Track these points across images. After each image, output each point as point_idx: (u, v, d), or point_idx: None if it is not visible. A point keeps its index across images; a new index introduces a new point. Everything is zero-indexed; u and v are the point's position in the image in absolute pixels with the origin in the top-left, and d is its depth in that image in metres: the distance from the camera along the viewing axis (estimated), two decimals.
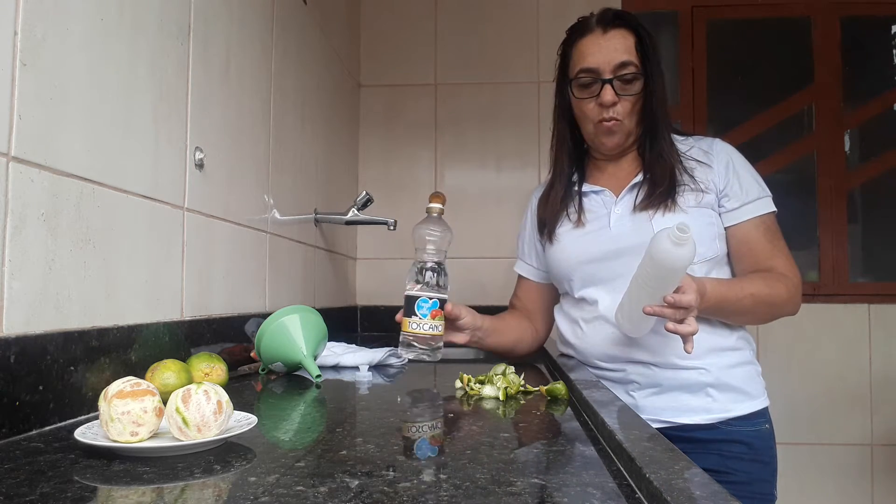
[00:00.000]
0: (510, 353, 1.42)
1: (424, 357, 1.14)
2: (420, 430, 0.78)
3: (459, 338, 1.27)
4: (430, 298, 1.13)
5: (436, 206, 1.21)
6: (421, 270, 1.16)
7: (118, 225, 0.88)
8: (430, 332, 1.13)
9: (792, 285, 1.19)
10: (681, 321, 1.03)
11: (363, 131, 2.49)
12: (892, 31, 2.56)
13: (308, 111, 1.80)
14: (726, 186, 1.21)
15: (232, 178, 1.27)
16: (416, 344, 1.14)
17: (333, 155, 2.10)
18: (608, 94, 1.20)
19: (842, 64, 2.47)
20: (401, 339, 1.16)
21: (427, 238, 1.18)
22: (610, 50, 1.20)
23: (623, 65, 1.20)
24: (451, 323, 1.23)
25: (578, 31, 1.26)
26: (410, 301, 1.14)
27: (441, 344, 1.16)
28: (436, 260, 1.17)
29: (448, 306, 1.19)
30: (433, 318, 1.13)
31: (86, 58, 0.81)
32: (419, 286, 1.14)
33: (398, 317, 1.20)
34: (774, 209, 1.22)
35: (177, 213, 1.05)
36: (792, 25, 2.53)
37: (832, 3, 2.46)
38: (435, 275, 1.16)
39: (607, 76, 1.20)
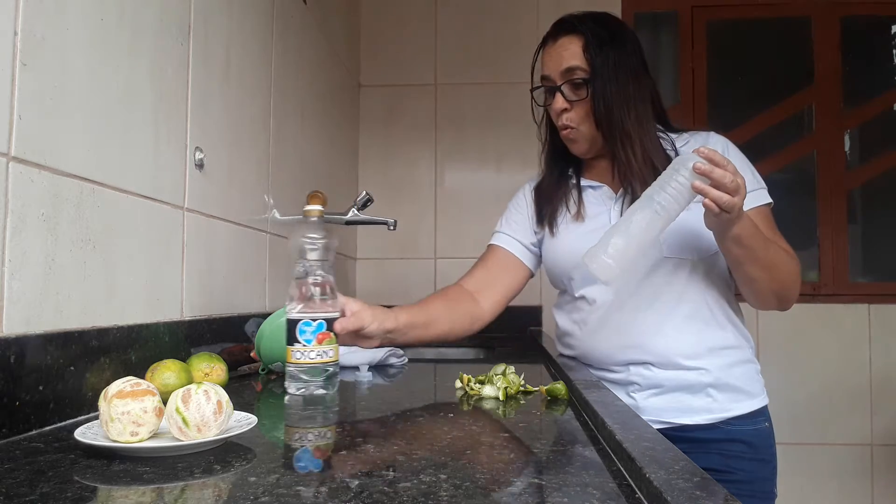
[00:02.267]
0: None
1: (317, 390, 0.95)
2: (420, 430, 0.78)
3: (370, 343, 1.10)
4: (314, 320, 0.94)
5: (315, 208, 1.02)
6: (301, 287, 0.96)
7: (118, 225, 0.88)
8: (319, 359, 0.94)
9: (798, 266, 1.16)
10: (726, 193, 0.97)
11: (363, 131, 2.49)
12: (892, 31, 2.56)
13: (308, 111, 1.80)
14: None
15: (232, 178, 1.27)
16: (303, 376, 0.94)
17: (333, 155, 2.10)
18: (558, 101, 1.21)
19: (842, 64, 2.47)
20: (286, 372, 0.97)
21: (307, 247, 0.98)
22: (557, 58, 1.22)
23: (569, 70, 1.20)
24: (356, 333, 1.06)
25: (542, 43, 1.29)
26: (291, 326, 0.94)
27: (336, 370, 0.98)
28: (319, 273, 0.98)
29: (342, 322, 1.00)
30: (320, 342, 0.94)
31: (86, 58, 0.81)
32: (301, 306, 0.95)
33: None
34: (770, 201, 1.20)
35: (177, 213, 1.05)
36: (792, 25, 2.53)
37: (832, 3, 2.46)
38: (319, 290, 0.97)
39: (558, 83, 1.22)
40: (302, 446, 0.70)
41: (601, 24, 1.24)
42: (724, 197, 0.98)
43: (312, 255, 0.98)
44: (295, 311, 0.95)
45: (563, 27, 1.24)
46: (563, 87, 1.21)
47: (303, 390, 0.95)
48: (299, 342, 0.94)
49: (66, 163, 0.77)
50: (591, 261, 0.99)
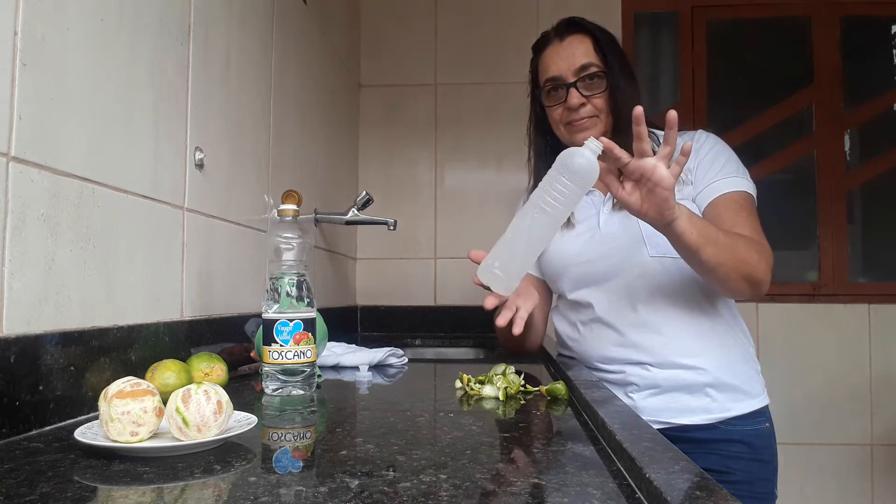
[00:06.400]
0: (519, 347, 1.41)
1: (294, 391, 0.96)
2: (420, 430, 0.78)
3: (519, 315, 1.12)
4: (291, 320, 0.95)
5: (289, 207, 1.02)
6: (276, 287, 0.97)
7: (118, 225, 0.88)
8: (296, 360, 0.95)
9: (762, 248, 1.12)
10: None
11: (363, 131, 2.49)
12: (892, 31, 2.56)
13: (308, 111, 1.80)
14: (694, 172, 1.20)
15: (232, 178, 1.27)
16: (280, 376, 0.96)
17: (333, 155, 2.10)
18: (574, 97, 1.22)
19: (842, 64, 2.47)
20: (263, 372, 0.98)
21: (283, 247, 0.98)
22: (568, 56, 1.23)
23: (584, 67, 1.22)
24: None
25: (540, 45, 1.30)
26: (268, 326, 0.95)
27: (314, 370, 0.98)
28: (295, 272, 0.98)
29: (517, 310, 1.06)
30: (297, 342, 0.95)
31: (86, 58, 0.81)
32: (277, 306, 0.96)
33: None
34: (747, 189, 1.18)
35: (177, 213, 1.05)
36: (792, 25, 2.53)
37: (832, 3, 2.46)
38: (297, 290, 0.97)
39: (570, 80, 1.22)
40: (302, 446, 0.70)
41: (600, 28, 1.27)
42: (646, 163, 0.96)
43: (288, 255, 0.98)
44: (271, 310, 0.96)
45: (570, 27, 1.26)
46: (577, 84, 1.22)
47: (280, 390, 0.96)
48: (276, 342, 0.95)
49: (66, 163, 0.77)
50: (482, 275, 0.98)
